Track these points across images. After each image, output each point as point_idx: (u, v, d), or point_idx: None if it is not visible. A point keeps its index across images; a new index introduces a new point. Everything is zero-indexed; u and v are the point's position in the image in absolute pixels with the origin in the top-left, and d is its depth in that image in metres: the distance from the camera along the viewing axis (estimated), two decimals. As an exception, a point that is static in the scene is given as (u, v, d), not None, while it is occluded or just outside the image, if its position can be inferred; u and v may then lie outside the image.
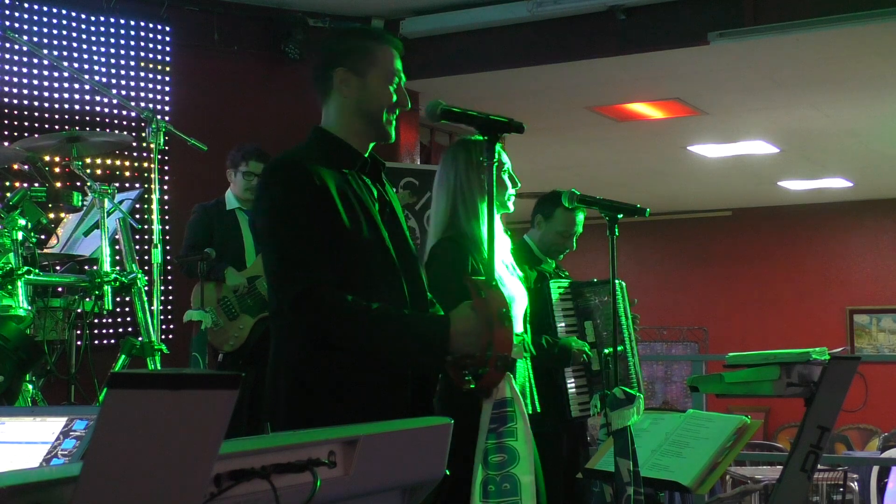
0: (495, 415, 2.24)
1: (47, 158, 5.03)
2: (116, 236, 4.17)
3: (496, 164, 3.09)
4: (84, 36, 5.61)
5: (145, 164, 5.67)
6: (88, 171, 4.88)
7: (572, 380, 4.04)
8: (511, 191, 3.23)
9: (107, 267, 3.96)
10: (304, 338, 2.31)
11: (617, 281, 4.19)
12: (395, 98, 2.44)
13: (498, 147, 3.14)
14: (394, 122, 2.46)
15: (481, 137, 3.12)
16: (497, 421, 2.24)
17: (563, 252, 4.30)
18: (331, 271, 2.25)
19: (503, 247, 3.15)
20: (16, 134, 5.25)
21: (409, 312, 2.30)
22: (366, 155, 2.46)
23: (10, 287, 3.54)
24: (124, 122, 5.67)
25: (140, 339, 4.07)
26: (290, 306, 2.25)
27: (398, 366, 2.33)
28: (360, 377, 2.28)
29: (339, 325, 2.24)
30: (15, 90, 5.36)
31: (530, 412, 3.02)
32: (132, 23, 5.79)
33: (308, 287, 2.23)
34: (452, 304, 2.38)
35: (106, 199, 4.02)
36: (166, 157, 5.61)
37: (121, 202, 4.19)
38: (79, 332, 4.24)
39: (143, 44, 5.83)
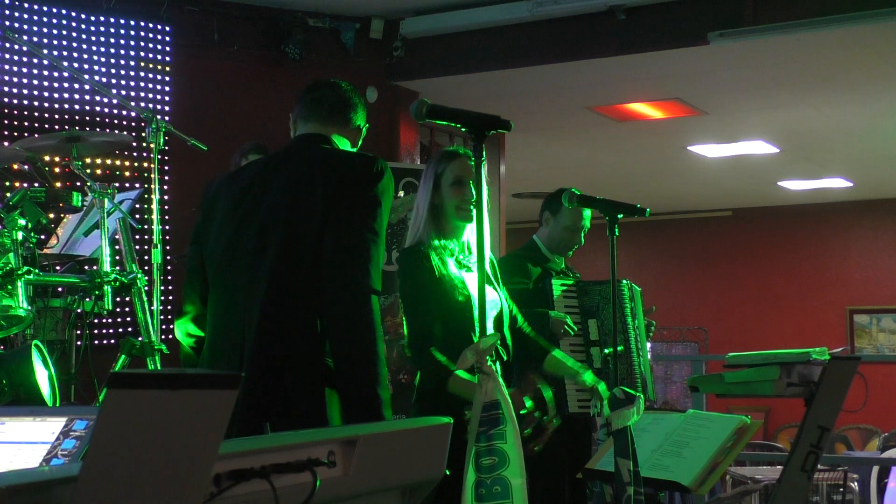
0: (485, 418, 2.25)
1: (47, 158, 5.03)
2: (116, 236, 4.17)
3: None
4: (84, 36, 5.60)
5: (145, 164, 5.67)
6: (88, 171, 4.88)
7: None
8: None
9: (107, 267, 3.96)
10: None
11: (633, 286, 4.22)
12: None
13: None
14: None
15: (459, 149, 3.14)
16: (487, 424, 2.25)
17: (571, 248, 4.28)
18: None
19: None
20: (16, 134, 5.25)
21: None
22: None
23: (10, 287, 3.53)
24: (124, 122, 5.66)
25: (140, 339, 4.07)
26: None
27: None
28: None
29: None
30: (15, 90, 5.35)
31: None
32: (132, 23, 5.79)
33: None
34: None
35: (106, 199, 4.02)
36: (166, 157, 5.60)
37: (121, 202, 4.18)
38: (79, 332, 4.24)
39: (143, 44, 5.82)
